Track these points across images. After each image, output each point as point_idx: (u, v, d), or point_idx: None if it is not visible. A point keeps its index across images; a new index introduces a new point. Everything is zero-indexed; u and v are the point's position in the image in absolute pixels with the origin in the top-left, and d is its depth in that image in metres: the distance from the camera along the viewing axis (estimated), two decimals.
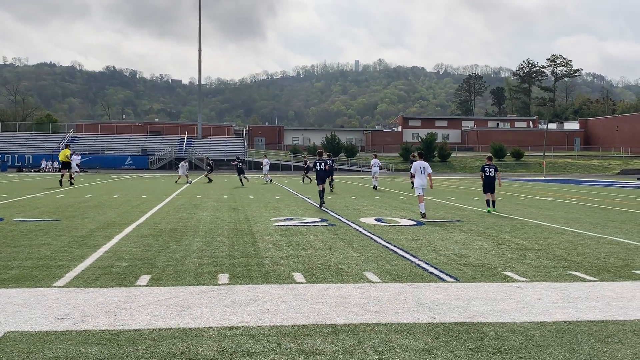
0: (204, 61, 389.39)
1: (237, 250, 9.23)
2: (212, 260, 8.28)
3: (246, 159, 70.70)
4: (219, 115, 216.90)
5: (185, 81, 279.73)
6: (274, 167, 67.29)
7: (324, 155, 19.81)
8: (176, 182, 33.32)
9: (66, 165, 28.20)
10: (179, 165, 33.50)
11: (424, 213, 14.71)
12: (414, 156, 30.42)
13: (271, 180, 35.02)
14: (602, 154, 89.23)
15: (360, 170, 70.58)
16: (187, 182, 32.50)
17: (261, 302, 6.02)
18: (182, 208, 16.56)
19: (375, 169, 28.74)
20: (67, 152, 27.90)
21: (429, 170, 15.09)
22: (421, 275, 7.52)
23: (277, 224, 12.89)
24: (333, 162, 27.26)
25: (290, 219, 13.88)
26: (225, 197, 21.79)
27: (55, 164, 58.30)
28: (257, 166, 68.73)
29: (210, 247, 9.50)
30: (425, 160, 15.52)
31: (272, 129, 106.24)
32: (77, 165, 33.59)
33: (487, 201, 16.86)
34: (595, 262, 8.70)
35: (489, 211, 16.55)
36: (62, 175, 28.47)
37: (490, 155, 17.95)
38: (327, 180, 23.55)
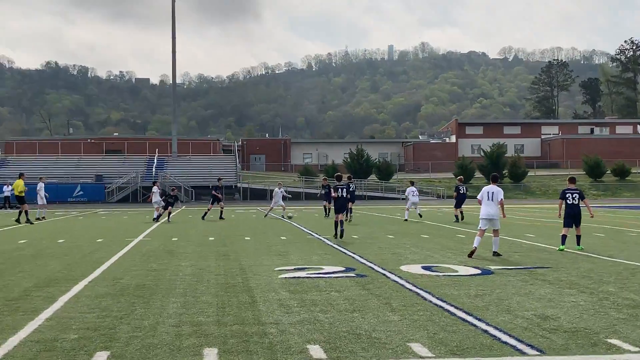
0: (179, 52, 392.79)
1: (229, 314, 9.23)
2: (194, 329, 8.28)
3: (239, 184, 70.95)
4: (202, 125, 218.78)
5: (154, 80, 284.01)
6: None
7: (344, 179, 21.41)
8: (166, 220, 33.25)
9: (22, 199, 31.31)
10: (152, 191, 33.88)
11: (496, 251, 16.09)
12: (461, 180, 32.51)
13: (289, 216, 34.96)
14: None
15: (398, 198, 70.38)
16: (155, 218, 32.61)
17: None
18: (152, 256, 16.62)
19: (415, 199, 32.79)
20: (22, 183, 31.35)
21: (501, 195, 16.31)
22: (490, 346, 7.44)
23: (284, 275, 12.91)
24: (354, 187, 31.34)
25: (303, 269, 13.90)
26: (211, 239, 21.82)
27: None
28: (257, 195, 68.86)
29: (191, 310, 9.51)
30: (497, 185, 16.86)
31: (275, 142, 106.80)
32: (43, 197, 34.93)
33: (564, 237, 17.65)
34: None
35: (562, 249, 17.31)
36: (20, 212, 31.48)
37: (573, 176, 18.53)
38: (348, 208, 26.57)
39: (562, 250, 17.22)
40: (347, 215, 29.09)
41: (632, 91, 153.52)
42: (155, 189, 33.97)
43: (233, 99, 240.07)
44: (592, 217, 18.39)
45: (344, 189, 21.89)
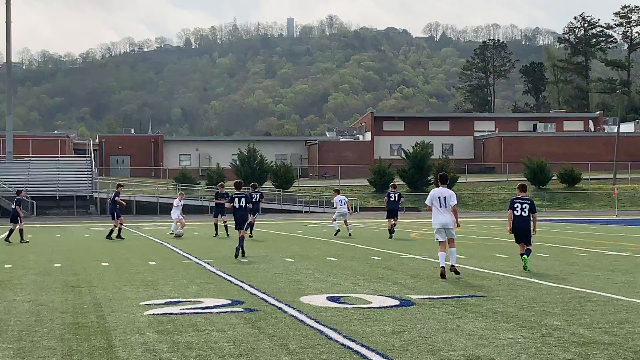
0: (16, 22, 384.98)
1: None
2: None
3: (95, 194, 69.73)
4: (47, 117, 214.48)
5: None
6: (145, 209, 66.83)
7: (243, 188, 23.25)
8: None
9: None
10: None
11: (453, 266, 17.08)
12: (394, 186, 34.93)
13: (177, 234, 34.91)
14: None
15: (299, 211, 70.48)
16: None
17: None
18: None
19: (343, 209, 34.99)
20: None
21: (454, 201, 17.52)
22: None
23: (151, 311, 12.80)
24: (261, 197, 33.53)
25: (176, 302, 13.82)
26: (57, 265, 21.45)
27: None
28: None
29: (28, 358, 9.33)
30: (446, 188, 17.80)
31: (143, 140, 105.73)
32: None
33: (523, 255, 18.54)
34: None
35: (526, 268, 18.27)
36: None
37: (524, 183, 19.24)
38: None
39: (526, 269, 18.06)
40: (250, 231, 30.74)
41: (583, 79, 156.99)
42: None
43: (88, 84, 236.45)
44: (534, 233, 18.86)
45: (242, 199, 23.07)
